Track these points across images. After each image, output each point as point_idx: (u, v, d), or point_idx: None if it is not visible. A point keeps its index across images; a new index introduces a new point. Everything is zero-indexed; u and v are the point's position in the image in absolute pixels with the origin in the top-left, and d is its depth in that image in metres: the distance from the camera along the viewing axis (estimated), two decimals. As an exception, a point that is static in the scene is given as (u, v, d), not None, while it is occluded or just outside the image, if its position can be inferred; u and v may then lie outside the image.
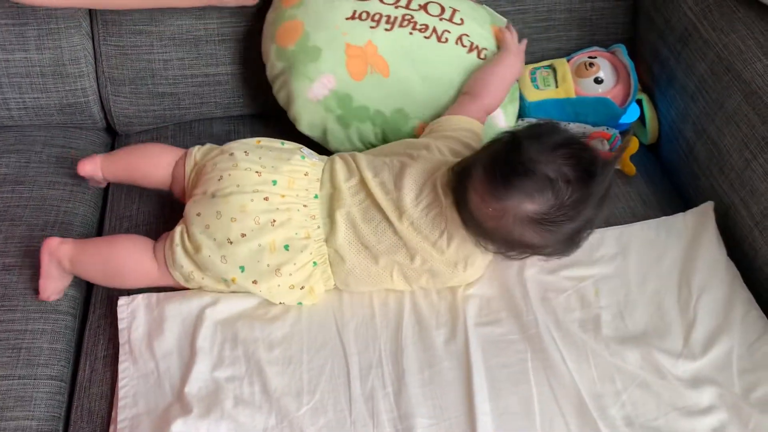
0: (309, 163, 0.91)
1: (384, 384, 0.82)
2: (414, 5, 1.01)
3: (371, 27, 0.99)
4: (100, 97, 1.13)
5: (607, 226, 1.00)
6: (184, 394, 0.79)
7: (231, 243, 0.85)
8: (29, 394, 0.84)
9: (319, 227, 0.87)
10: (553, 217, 0.77)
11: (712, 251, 0.94)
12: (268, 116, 1.18)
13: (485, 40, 1.04)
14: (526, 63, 1.18)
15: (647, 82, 1.17)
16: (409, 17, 1.00)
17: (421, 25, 1.00)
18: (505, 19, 1.10)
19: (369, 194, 0.88)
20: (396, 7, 1.01)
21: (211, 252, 0.85)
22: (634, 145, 1.07)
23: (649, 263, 0.94)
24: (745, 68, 0.97)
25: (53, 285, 0.92)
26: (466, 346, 0.85)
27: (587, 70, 1.12)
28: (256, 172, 0.87)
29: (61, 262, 0.90)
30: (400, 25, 0.99)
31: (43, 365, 0.87)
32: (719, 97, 1.00)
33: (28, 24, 1.06)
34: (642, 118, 1.15)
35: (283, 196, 0.86)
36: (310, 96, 1.00)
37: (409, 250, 0.86)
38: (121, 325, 0.86)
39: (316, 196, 0.88)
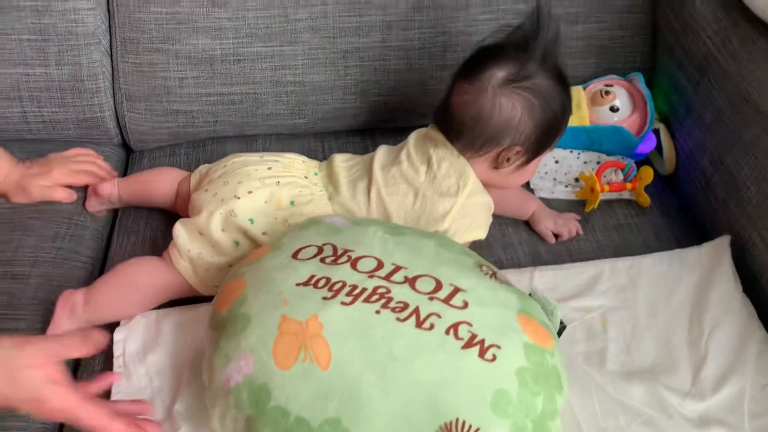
0: (309, 162, 1.00)
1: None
2: (398, 277, 0.71)
3: (324, 298, 0.69)
4: (116, 113, 1.15)
5: (617, 257, 0.97)
6: (173, 412, 0.78)
7: (238, 198, 0.90)
8: (24, 405, 0.83)
9: (321, 191, 0.94)
10: (526, 72, 0.89)
11: (727, 286, 0.91)
12: (281, 136, 1.19)
13: (498, 334, 0.68)
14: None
15: (665, 112, 1.15)
16: (384, 291, 0.69)
17: (397, 302, 0.68)
18: (556, 310, 0.75)
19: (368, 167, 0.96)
20: (370, 276, 0.70)
21: (220, 211, 0.89)
22: (648, 175, 1.04)
23: (659, 296, 0.91)
24: (763, 99, 0.95)
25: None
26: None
27: (603, 98, 1.11)
28: (259, 157, 0.98)
29: (74, 308, 0.87)
30: (366, 300, 0.68)
31: (41, 376, 0.87)
32: (737, 128, 0.98)
33: (50, 40, 1.08)
34: (659, 149, 1.13)
35: (284, 167, 0.95)
36: (221, 381, 0.70)
37: (411, 186, 0.92)
38: (117, 336, 0.86)
39: (315, 173, 0.97)
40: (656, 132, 1.13)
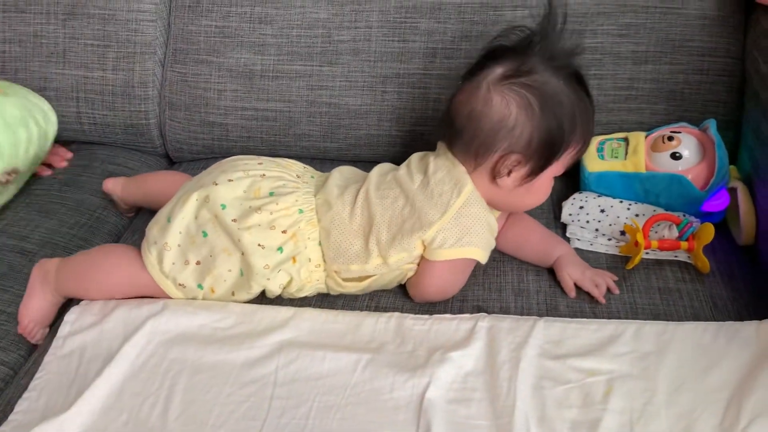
0: (309, 169, 0.95)
1: (300, 440, 0.68)
2: None
3: None
4: (160, 121, 1.17)
5: (648, 319, 0.79)
6: (79, 400, 0.71)
7: (216, 184, 0.86)
8: (-31, 371, 0.81)
9: (309, 188, 0.88)
10: (525, 67, 0.80)
11: (787, 373, 0.70)
12: (315, 161, 1.14)
13: None
14: (597, 134, 1.03)
15: (747, 170, 0.96)
16: None
17: None
18: None
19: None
20: None
21: (196, 195, 0.85)
22: (708, 234, 0.86)
23: (691, 372, 0.72)
24: None
25: (34, 307, 0.86)
26: (417, 420, 0.69)
27: (664, 143, 0.95)
28: (256, 157, 0.93)
29: (47, 274, 0.88)
30: None
31: (1, 349, 0.85)
32: (822, 182, 0.78)
33: (110, 46, 1.14)
34: (737, 212, 0.93)
35: (278, 166, 0.90)
36: None
37: (404, 191, 0.85)
38: (67, 317, 0.82)
39: (312, 177, 0.92)
40: (733, 192, 0.94)
